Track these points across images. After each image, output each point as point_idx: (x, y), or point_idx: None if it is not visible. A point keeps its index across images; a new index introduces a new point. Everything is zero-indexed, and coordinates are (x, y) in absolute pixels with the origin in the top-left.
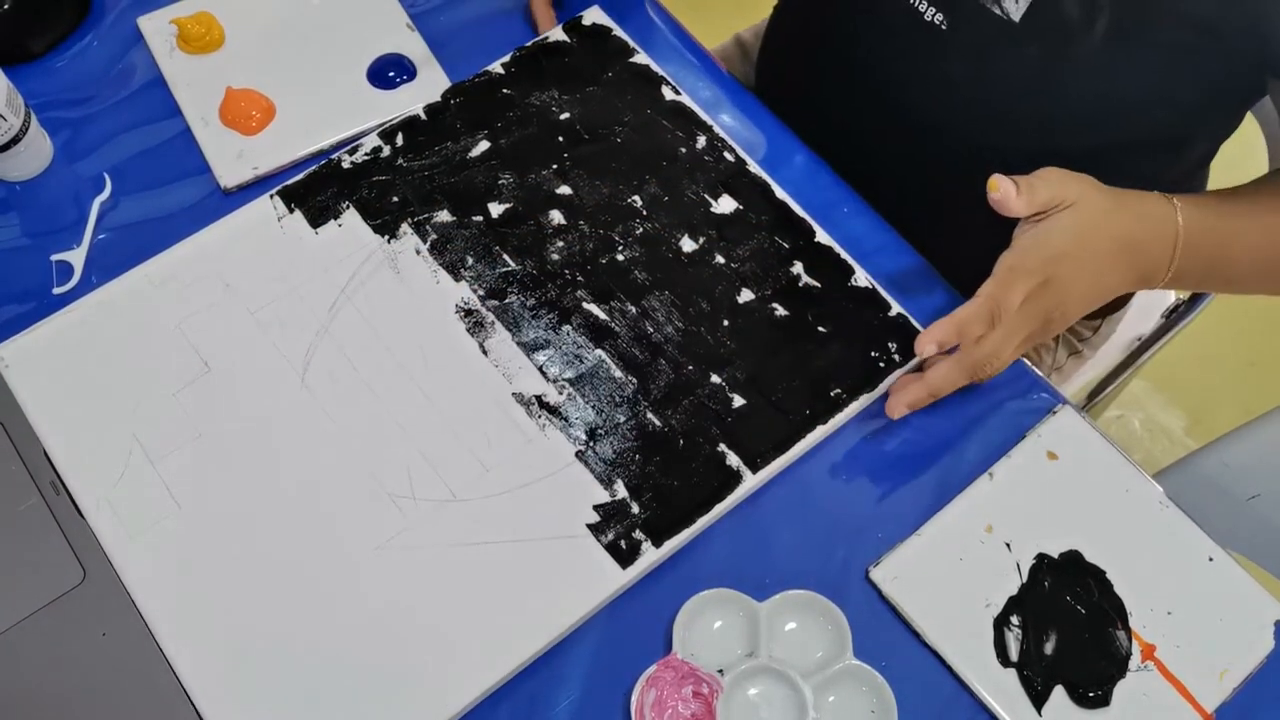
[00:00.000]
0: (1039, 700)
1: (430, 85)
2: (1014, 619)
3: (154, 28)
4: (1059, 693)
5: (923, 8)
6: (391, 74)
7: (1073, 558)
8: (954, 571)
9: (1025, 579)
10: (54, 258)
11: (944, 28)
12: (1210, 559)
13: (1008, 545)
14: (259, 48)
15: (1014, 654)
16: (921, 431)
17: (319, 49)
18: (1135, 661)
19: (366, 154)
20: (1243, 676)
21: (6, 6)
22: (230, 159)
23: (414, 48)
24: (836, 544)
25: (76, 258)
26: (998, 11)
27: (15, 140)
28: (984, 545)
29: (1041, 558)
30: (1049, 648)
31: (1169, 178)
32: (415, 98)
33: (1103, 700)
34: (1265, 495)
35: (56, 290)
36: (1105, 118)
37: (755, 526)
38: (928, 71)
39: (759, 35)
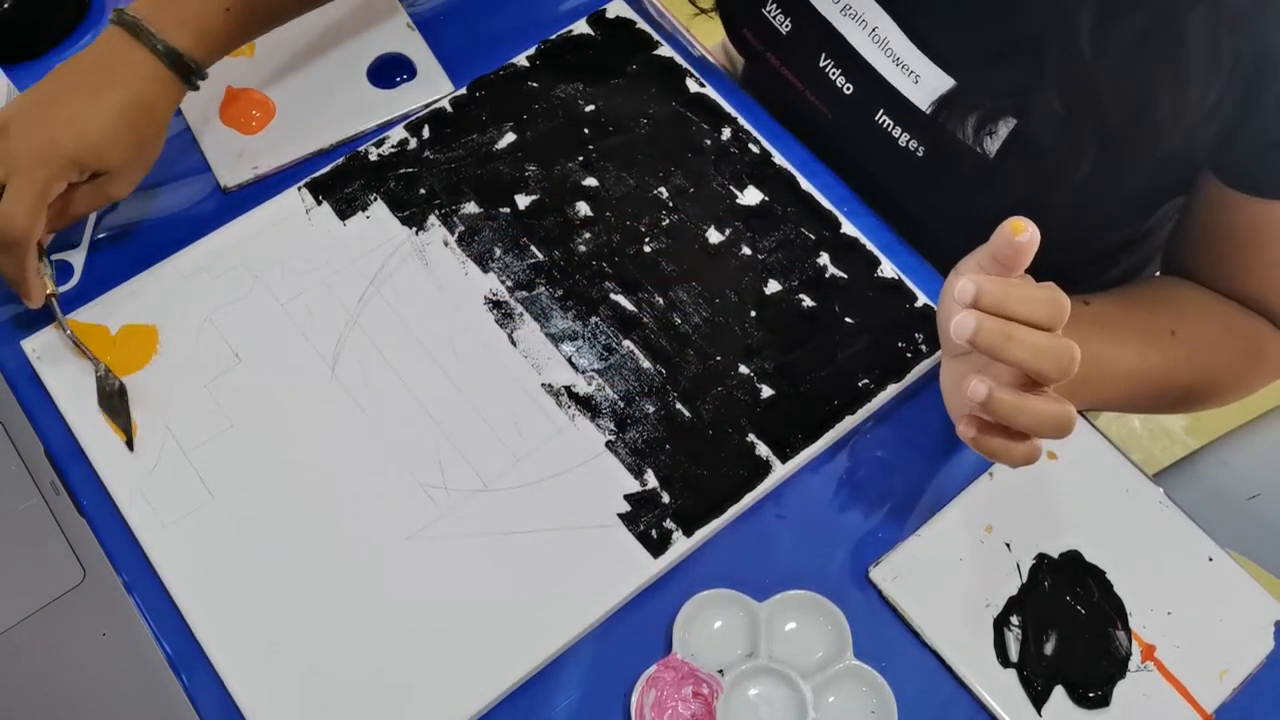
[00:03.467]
0: (1039, 700)
1: (430, 84)
2: (1014, 619)
3: None
4: (1059, 693)
5: (897, 134)
6: (392, 73)
7: (1073, 558)
8: (954, 571)
9: (1025, 579)
10: (54, 257)
11: (920, 156)
12: (1210, 559)
13: (1008, 545)
14: (259, 47)
15: (1014, 654)
16: (922, 431)
17: (319, 49)
18: (1135, 661)
19: (393, 146)
20: (1243, 676)
21: (6, 6)
22: (230, 158)
23: (414, 47)
24: (836, 544)
25: (76, 258)
26: (976, 148)
27: None
28: (984, 545)
29: (1041, 558)
30: (1049, 648)
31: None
32: (416, 97)
33: (1103, 700)
34: (1265, 495)
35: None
36: (1086, 233)
37: (755, 526)
38: (911, 188)
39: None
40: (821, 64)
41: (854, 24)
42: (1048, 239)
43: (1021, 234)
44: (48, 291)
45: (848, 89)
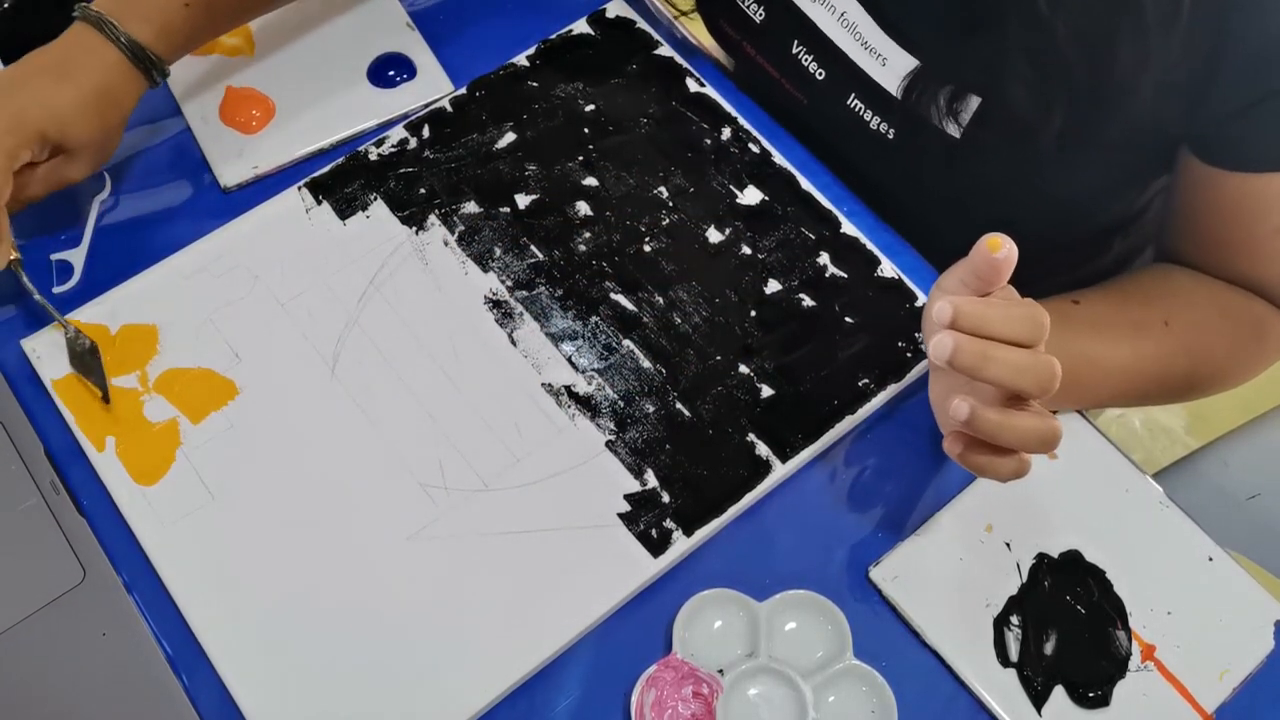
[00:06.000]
0: (1039, 700)
1: (430, 84)
2: (1014, 619)
3: None
4: (1059, 693)
5: (868, 117)
6: (391, 73)
7: (1073, 558)
8: (954, 571)
9: (1025, 579)
10: (54, 257)
11: (891, 139)
12: (1210, 559)
13: (1008, 545)
14: (259, 47)
15: (1014, 654)
16: (922, 431)
17: (319, 48)
18: (1135, 661)
19: (393, 146)
20: (1243, 676)
21: (6, 6)
22: (230, 158)
23: (414, 47)
24: (836, 544)
25: (76, 257)
26: (943, 127)
27: None
28: (984, 545)
29: (1041, 558)
30: (1049, 648)
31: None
32: (415, 96)
33: (1102, 700)
34: (1265, 495)
35: (56, 290)
36: (1063, 211)
37: (755, 526)
38: (884, 170)
39: None
40: (794, 51)
41: (823, 9)
42: (1025, 218)
43: (999, 250)
44: (11, 257)
45: (820, 75)
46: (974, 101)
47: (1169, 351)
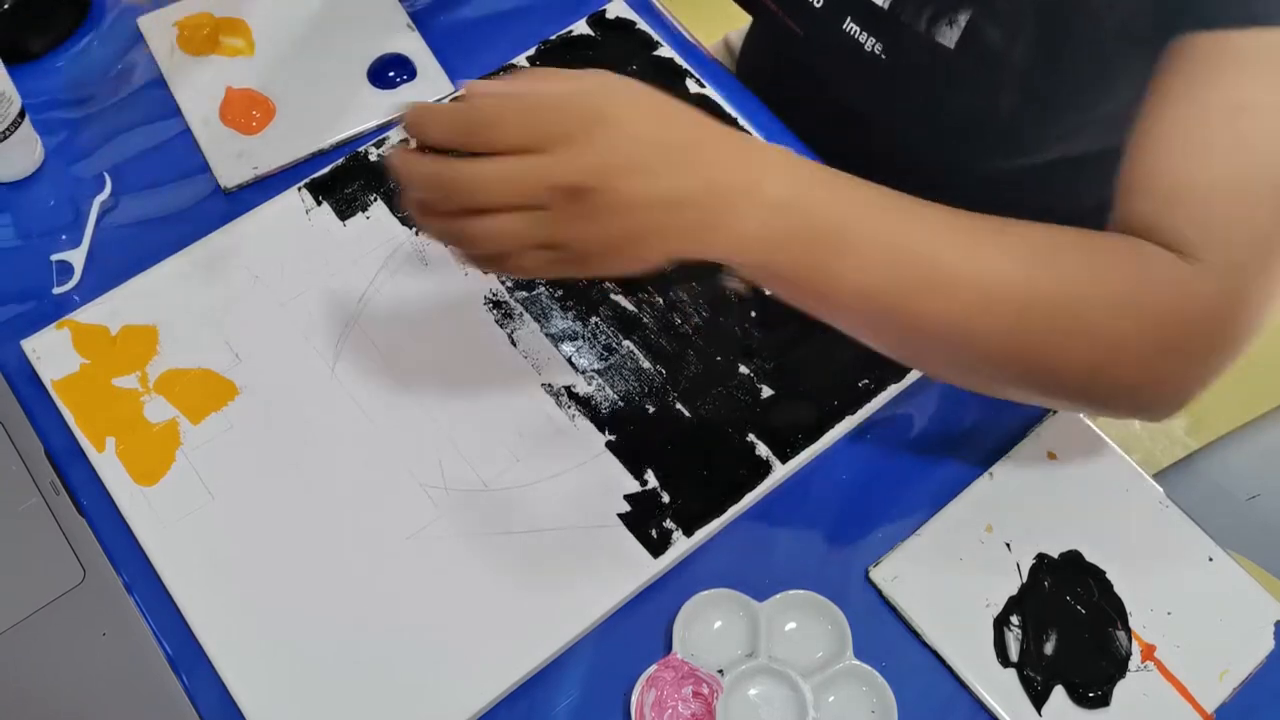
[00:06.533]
0: (1039, 700)
1: (430, 84)
2: (1014, 619)
3: (154, 28)
4: (1059, 693)
5: (863, 39)
6: (391, 74)
7: (1073, 558)
8: (954, 571)
9: (1025, 579)
10: (54, 258)
11: (884, 58)
12: (1210, 559)
13: (1008, 545)
14: (259, 48)
15: (1014, 654)
16: (922, 431)
17: (319, 49)
18: (1135, 661)
19: (393, 147)
20: (1243, 676)
21: (6, 6)
22: (230, 159)
23: (414, 47)
24: (836, 544)
25: (76, 257)
26: (935, 39)
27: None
28: (984, 545)
29: (1041, 558)
30: (1049, 648)
31: None
32: (415, 97)
33: (1102, 700)
34: (1265, 495)
35: (56, 290)
36: (1064, 128)
37: (755, 526)
38: (879, 98)
39: (744, 36)
40: None
41: None
42: (1012, 148)
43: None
44: None
45: (817, 2)
46: (965, 14)
47: (999, 255)
